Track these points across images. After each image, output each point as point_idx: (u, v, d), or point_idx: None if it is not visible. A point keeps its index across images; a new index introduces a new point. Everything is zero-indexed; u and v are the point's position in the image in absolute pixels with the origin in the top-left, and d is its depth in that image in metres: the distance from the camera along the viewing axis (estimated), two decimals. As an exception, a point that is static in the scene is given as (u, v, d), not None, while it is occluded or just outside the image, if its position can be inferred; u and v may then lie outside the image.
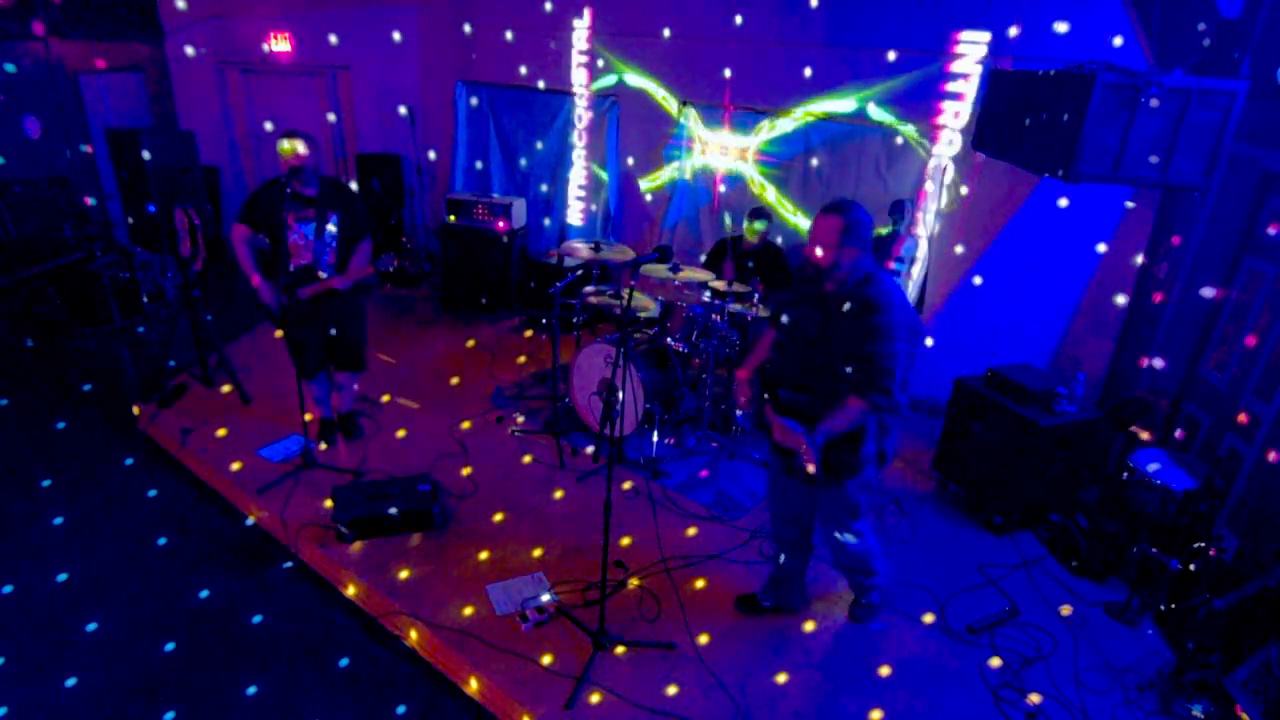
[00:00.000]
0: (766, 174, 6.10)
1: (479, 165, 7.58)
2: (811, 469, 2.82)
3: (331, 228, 4.13)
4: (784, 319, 3.04)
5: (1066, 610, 3.69)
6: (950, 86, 4.97)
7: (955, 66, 4.92)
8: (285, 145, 3.94)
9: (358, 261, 4.23)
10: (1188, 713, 3.11)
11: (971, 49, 4.84)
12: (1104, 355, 5.05)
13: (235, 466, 4.42)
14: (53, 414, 4.96)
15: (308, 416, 4.48)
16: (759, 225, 5.27)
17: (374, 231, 4.36)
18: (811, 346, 2.89)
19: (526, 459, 4.71)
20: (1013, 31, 4.72)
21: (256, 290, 4.11)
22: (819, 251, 2.78)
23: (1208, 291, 4.19)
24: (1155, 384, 4.51)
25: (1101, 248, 4.81)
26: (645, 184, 6.81)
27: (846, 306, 2.79)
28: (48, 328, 6.22)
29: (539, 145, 7.22)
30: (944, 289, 5.46)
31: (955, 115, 4.98)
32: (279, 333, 4.34)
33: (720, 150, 6.26)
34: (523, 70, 6.78)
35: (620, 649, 3.28)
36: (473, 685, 3.19)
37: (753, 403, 3.28)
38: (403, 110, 7.39)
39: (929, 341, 5.57)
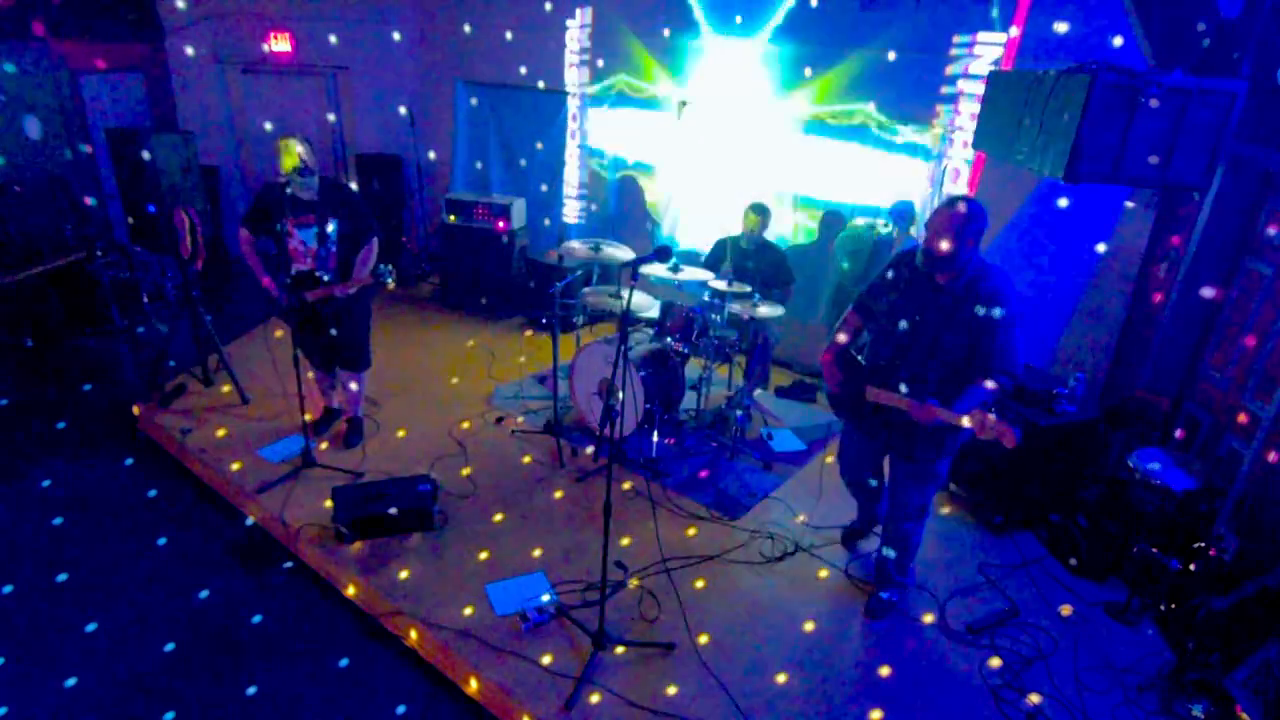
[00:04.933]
0: (765, 173, 6.09)
1: (479, 165, 7.58)
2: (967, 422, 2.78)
3: (330, 228, 4.13)
4: (890, 311, 3.14)
5: (1066, 610, 3.69)
6: (965, 88, 4.94)
7: (972, 68, 4.90)
8: (278, 147, 3.97)
9: (361, 266, 4.23)
10: (1188, 713, 3.11)
11: (988, 50, 4.82)
12: (1104, 355, 5.04)
13: (235, 466, 4.42)
14: (53, 414, 4.96)
15: (308, 416, 4.47)
16: (755, 218, 5.23)
17: (379, 232, 4.36)
18: (921, 337, 3.01)
19: (526, 459, 4.71)
20: (1013, 31, 4.71)
21: (266, 290, 4.15)
22: (943, 244, 2.86)
23: (1208, 291, 4.19)
24: (1155, 384, 4.51)
25: (1101, 248, 4.81)
26: (646, 179, 6.80)
27: (965, 301, 2.92)
28: (48, 328, 6.21)
29: (539, 145, 7.21)
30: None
31: (972, 118, 4.94)
32: (279, 333, 4.34)
33: (720, 149, 6.25)
34: (522, 70, 6.78)
35: (620, 649, 3.29)
36: (473, 685, 3.19)
37: (844, 385, 3.30)
38: (403, 110, 7.38)
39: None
